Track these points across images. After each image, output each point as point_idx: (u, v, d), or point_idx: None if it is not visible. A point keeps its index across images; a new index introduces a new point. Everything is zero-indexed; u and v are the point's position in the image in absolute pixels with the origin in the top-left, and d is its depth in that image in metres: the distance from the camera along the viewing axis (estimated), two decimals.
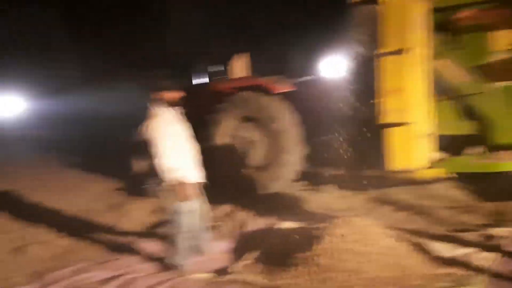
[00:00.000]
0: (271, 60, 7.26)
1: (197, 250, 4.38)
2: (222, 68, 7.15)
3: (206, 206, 4.43)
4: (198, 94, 7.15)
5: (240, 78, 6.90)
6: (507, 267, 3.50)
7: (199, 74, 7.68)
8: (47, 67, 18.98)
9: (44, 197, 7.15)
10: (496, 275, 3.41)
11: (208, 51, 7.85)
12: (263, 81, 6.32)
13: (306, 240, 3.92)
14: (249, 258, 4.15)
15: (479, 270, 3.50)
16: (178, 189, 4.01)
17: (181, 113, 4.31)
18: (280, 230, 4.74)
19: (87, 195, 7.17)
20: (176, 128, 4.14)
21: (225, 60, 7.24)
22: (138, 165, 7.64)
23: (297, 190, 6.26)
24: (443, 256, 3.74)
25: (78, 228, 5.56)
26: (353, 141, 6.28)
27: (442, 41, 5.12)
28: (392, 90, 4.91)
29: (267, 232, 4.78)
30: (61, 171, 9.34)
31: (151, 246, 4.75)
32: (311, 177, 6.41)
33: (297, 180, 6.44)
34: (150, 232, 5.22)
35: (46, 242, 5.22)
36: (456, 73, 4.98)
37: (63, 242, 5.20)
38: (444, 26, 5.15)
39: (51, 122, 15.69)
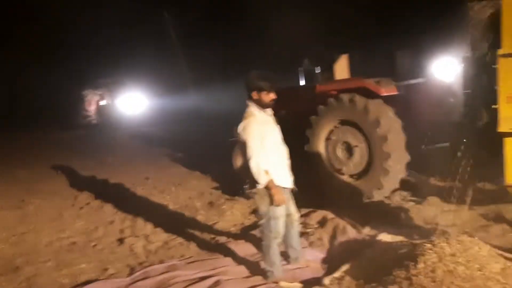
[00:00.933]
0: (378, 61, 6.90)
1: (289, 257, 4.31)
2: (328, 69, 6.96)
3: (297, 212, 4.32)
4: (304, 96, 7.07)
5: (344, 80, 6.68)
6: None
7: (306, 74, 7.56)
8: (167, 68, 20.25)
9: (147, 192, 7.59)
10: None
11: (314, 52, 7.69)
12: (368, 82, 6.04)
13: (407, 257, 3.64)
14: (343, 271, 3.98)
15: None
16: (270, 192, 3.94)
17: (275, 115, 4.25)
18: (378, 242, 4.49)
19: (188, 192, 7.44)
20: (270, 129, 4.08)
21: (331, 61, 7.05)
22: (239, 165, 7.79)
23: (400, 200, 5.91)
24: None
25: (175, 224, 5.79)
26: (464, 150, 5.81)
27: None
28: (511, 96, 4.42)
29: (365, 243, 4.55)
30: (167, 167, 9.82)
31: (246, 248, 4.77)
32: (415, 187, 6.02)
33: (400, 190, 6.09)
34: (246, 234, 5.25)
35: (143, 236, 5.49)
36: None
37: (159, 237, 5.43)
38: None
39: (168, 119, 16.68)
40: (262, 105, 4.04)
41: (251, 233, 5.17)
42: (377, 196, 5.96)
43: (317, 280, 3.96)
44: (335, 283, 3.83)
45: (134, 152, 12.32)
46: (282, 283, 3.95)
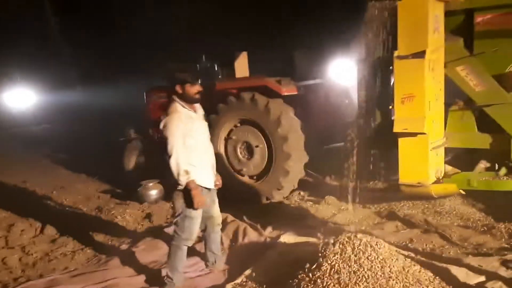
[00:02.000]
0: (276, 61, 6.86)
1: (208, 261, 4.13)
2: (228, 66, 6.76)
3: (220, 216, 4.09)
4: (203, 95, 6.79)
5: (245, 78, 6.53)
6: None
7: (204, 71, 7.29)
8: (54, 63, 18.73)
9: (24, 197, 6.80)
10: None
11: (213, 48, 7.44)
12: (270, 81, 5.95)
13: (311, 258, 3.55)
14: (245, 276, 3.79)
15: None
16: (189, 193, 3.63)
17: (202, 110, 3.99)
18: (281, 244, 4.39)
19: (72, 197, 6.79)
20: (195, 127, 3.78)
21: (230, 58, 6.85)
22: (131, 166, 7.32)
23: (298, 200, 5.91)
24: (462, 284, 3.38)
25: (57, 233, 5.19)
26: (361, 151, 5.95)
27: (459, 47, 4.79)
28: (407, 97, 4.57)
29: (267, 246, 4.42)
30: (49, 169, 8.97)
31: (139, 257, 4.39)
32: (314, 187, 6.05)
33: (298, 190, 6.09)
34: (138, 241, 4.84)
35: (19, 248, 4.86)
36: (473, 82, 4.63)
37: (38, 248, 4.84)
38: (462, 30, 4.83)
39: (57, 116, 15.36)
40: (188, 99, 3.75)
41: (145, 240, 4.77)
42: (277, 197, 5.89)
43: (219, 287, 3.73)
44: None
45: (12, 153, 11.10)
46: None
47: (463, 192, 4.75)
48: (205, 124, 4.00)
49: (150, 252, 4.49)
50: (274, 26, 10.28)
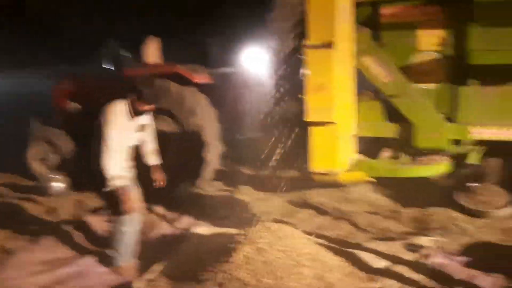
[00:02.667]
0: (189, 48, 6.67)
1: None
2: (137, 52, 6.46)
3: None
4: (110, 81, 6.46)
5: (156, 65, 6.27)
6: (432, 278, 3.32)
7: (113, 58, 6.91)
8: None
9: None
10: None
11: (120, 34, 7.08)
12: (182, 69, 5.76)
13: (224, 249, 3.49)
14: (156, 271, 3.64)
15: (404, 282, 3.28)
16: (121, 197, 3.56)
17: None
18: (194, 236, 4.27)
19: None
20: (130, 125, 3.78)
21: (140, 44, 6.55)
22: (36, 157, 6.81)
23: (214, 191, 5.83)
24: (369, 268, 3.49)
25: None
26: (274, 140, 5.98)
27: (367, 38, 4.94)
28: (317, 87, 4.63)
29: (180, 238, 4.29)
30: None
31: (42, 253, 4.07)
32: (229, 177, 5.99)
33: (214, 180, 6.00)
34: (42, 235, 4.49)
35: None
36: (380, 72, 4.81)
37: None
38: (369, 22, 4.99)
39: None
40: (133, 110, 3.76)
41: (46, 237, 4.43)
42: (193, 187, 5.76)
43: (129, 285, 3.55)
44: (148, 286, 3.47)
45: None
46: None
47: (372, 179, 4.95)
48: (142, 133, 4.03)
49: (53, 249, 4.20)
50: (187, 13, 10.03)
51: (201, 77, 5.75)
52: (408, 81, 4.77)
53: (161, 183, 4.15)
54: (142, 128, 4.00)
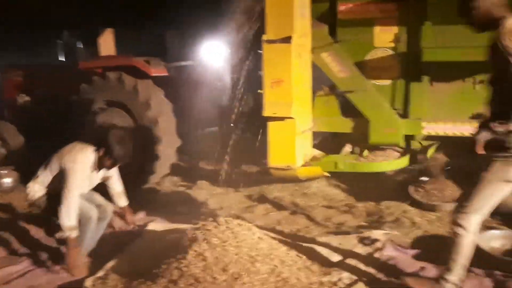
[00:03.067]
0: (146, 40, 6.51)
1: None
2: (92, 44, 6.26)
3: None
4: (64, 73, 6.25)
5: (111, 56, 6.10)
6: (384, 271, 3.37)
7: (66, 49, 6.69)
8: None
9: None
10: (374, 280, 3.26)
11: (75, 23, 6.82)
12: (137, 61, 5.63)
13: (178, 245, 3.42)
14: (107, 269, 3.54)
15: (357, 274, 3.32)
16: (68, 250, 3.56)
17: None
18: (148, 232, 4.19)
19: None
20: (94, 177, 3.81)
21: (95, 35, 6.36)
22: None
23: (170, 186, 5.74)
24: (323, 261, 3.51)
25: None
26: (232, 135, 5.94)
27: (324, 34, 4.97)
28: (275, 82, 4.63)
29: (133, 235, 4.17)
30: None
31: None
32: (187, 172, 5.91)
33: (170, 175, 5.90)
34: None
35: None
36: (337, 68, 4.85)
37: None
38: (327, 18, 5.01)
39: None
40: (101, 165, 3.74)
41: None
42: (149, 182, 5.64)
43: (79, 283, 3.43)
44: (98, 284, 3.37)
45: None
46: None
47: (328, 174, 4.99)
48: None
49: (1, 247, 4.03)
50: (144, 4, 9.77)
51: (157, 70, 5.63)
52: (364, 77, 4.84)
53: (134, 225, 4.22)
54: (106, 178, 3.98)
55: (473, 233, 2.80)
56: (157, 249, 3.66)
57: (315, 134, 5.29)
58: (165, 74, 5.72)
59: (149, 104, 5.46)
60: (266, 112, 4.68)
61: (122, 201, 4.15)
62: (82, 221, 3.67)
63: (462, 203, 2.81)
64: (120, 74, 5.55)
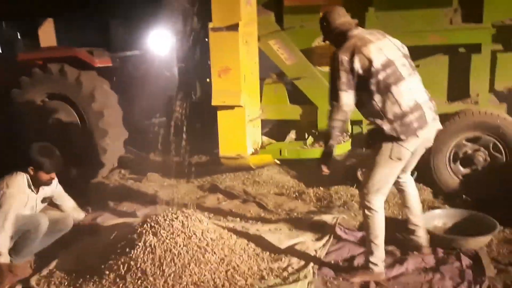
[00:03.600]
0: (89, 30, 6.29)
1: None
2: (31, 35, 5.99)
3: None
4: (2, 66, 5.95)
5: (52, 48, 5.85)
6: (332, 255, 3.43)
7: (4, 41, 6.37)
8: None
9: None
10: (323, 264, 3.31)
11: (12, 13, 6.48)
12: (80, 52, 5.43)
13: (127, 240, 3.35)
14: (53, 266, 3.43)
15: (307, 259, 3.36)
16: None
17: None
18: (98, 227, 4.07)
19: None
20: (32, 199, 3.65)
21: (34, 25, 6.09)
22: None
23: (119, 179, 5.58)
24: (274, 248, 3.53)
25: None
26: (182, 125, 5.86)
27: (271, 21, 4.95)
28: (223, 70, 4.58)
29: (82, 230, 4.04)
30: None
31: None
32: (136, 165, 5.77)
33: (119, 168, 5.76)
34: None
35: None
36: (284, 55, 4.86)
37: None
38: (273, 5, 5.00)
39: None
40: (37, 183, 3.63)
41: None
42: (97, 176, 5.48)
43: (25, 282, 3.30)
44: (43, 283, 3.26)
45: None
46: None
47: (278, 162, 5.01)
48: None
49: None
50: None
51: (101, 61, 5.47)
52: (311, 63, 4.87)
53: None
54: (47, 199, 3.84)
55: (379, 212, 3.05)
56: (105, 244, 3.57)
57: (265, 122, 5.30)
58: (110, 64, 5.55)
59: (93, 96, 5.30)
60: (215, 101, 4.63)
61: (80, 214, 4.11)
62: (31, 229, 3.53)
63: (364, 186, 3.08)
64: (62, 65, 5.35)
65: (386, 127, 2.91)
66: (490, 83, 4.51)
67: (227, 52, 4.53)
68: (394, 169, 3.02)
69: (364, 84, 2.92)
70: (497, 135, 4.27)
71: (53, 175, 3.67)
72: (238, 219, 4.22)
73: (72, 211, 4.00)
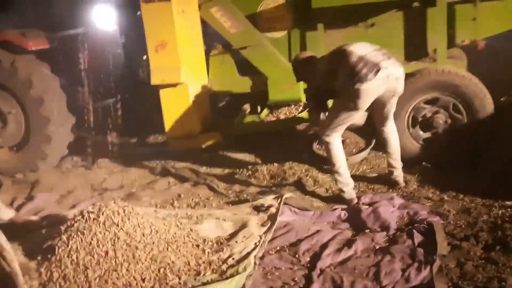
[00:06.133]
0: (24, 9, 5.80)
1: None
2: None
3: None
4: None
5: None
6: (278, 241, 3.18)
7: None
8: None
9: None
10: (267, 251, 3.07)
11: None
12: (11, 35, 5.01)
13: (54, 237, 3.08)
14: None
15: (251, 248, 3.11)
16: None
17: None
18: (29, 224, 3.77)
19: None
20: None
21: None
22: None
23: (71, 167, 5.30)
24: (217, 237, 3.28)
25: None
26: (130, 105, 5.54)
27: None
28: (158, 45, 4.24)
29: (12, 228, 3.75)
30: None
31: None
32: (84, 151, 5.44)
33: (72, 155, 5.45)
34: None
35: None
36: (228, 23, 4.48)
37: None
38: None
39: None
40: None
41: None
42: (43, 166, 5.16)
43: None
44: None
45: None
46: None
47: (230, 140, 4.72)
48: None
49: None
50: None
51: (36, 43, 5.04)
52: (257, 30, 4.51)
53: None
54: None
55: (335, 143, 3.60)
56: (32, 245, 3.29)
57: (217, 98, 4.99)
58: (46, 46, 5.14)
59: (31, 82, 4.92)
60: (154, 80, 4.32)
61: (6, 213, 3.72)
62: None
63: (324, 125, 3.63)
64: None
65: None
66: (449, 39, 4.20)
67: (161, 24, 4.18)
68: (353, 116, 3.51)
69: None
70: (457, 95, 3.98)
71: None
72: (185, 204, 3.96)
73: None
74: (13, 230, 3.63)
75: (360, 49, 3.46)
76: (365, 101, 3.41)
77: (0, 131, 5.20)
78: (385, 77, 3.36)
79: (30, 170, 5.14)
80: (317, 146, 4.41)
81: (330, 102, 3.92)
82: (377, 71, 3.30)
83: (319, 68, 3.66)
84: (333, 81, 3.51)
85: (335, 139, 3.58)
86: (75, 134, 5.32)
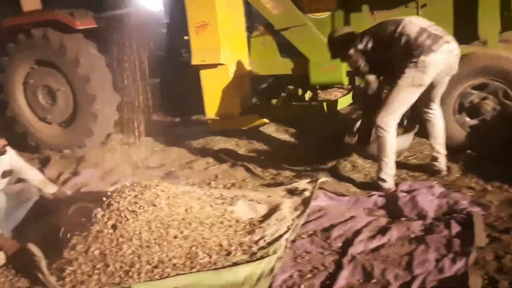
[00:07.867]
0: None
1: None
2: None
3: None
4: None
5: (34, 12, 5.60)
6: (311, 225, 3.15)
7: None
8: None
9: None
10: (299, 235, 3.05)
11: None
12: (61, 15, 5.17)
13: (90, 215, 3.18)
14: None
15: (283, 231, 3.10)
16: None
17: None
18: (66, 199, 3.90)
19: None
20: None
21: None
22: None
23: (115, 145, 5.44)
24: (249, 219, 3.29)
25: None
26: (173, 86, 5.60)
27: None
28: (199, 26, 4.24)
29: (64, 202, 3.92)
30: None
31: None
32: (128, 129, 5.57)
33: (118, 133, 5.60)
34: None
35: None
36: (270, 4, 4.41)
37: None
38: None
39: None
40: None
41: None
42: (89, 143, 5.36)
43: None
44: None
45: None
46: None
47: (267, 121, 4.70)
48: None
49: None
50: None
51: (84, 22, 5.18)
52: (300, 11, 4.42)
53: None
54: (6, 174, 3.60)
55: (390, 132, 3.36)
56: (69, 220, 3.41)
57: (258, 79, 4.95)
58: (94, 26, 5.27)
59: (78, 60, 5.08)
60: (194, 60, 4.34)
61: (49, 188, 3.85)
62: None
63: (382, 108, 3.36)
64: (46, 30, 5.13)
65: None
66: (506, 21, 3.96)
67: (203, 5, 4.17)
68: (414, 95, 3.29)
69: None
70: (507, 81, 3.75)
71: (2, 141, 3.48)
72: (221, 185, 3.99)
73: (39, 184, 3.82)
74: (55, 204, 3.82)
75: (420, 21, 3.31)
76: (429, 75, 3.21)
77: (50, 107, 5.43)
78: (449, 51, 3.23)
79: (77, 146, 5.34)
80: (349, 137, 4.28)
81: None
82: (442, 43, 3.17)
83: (361, 44, 3.43)
84: (382, 53, 3.33)
85: (391, 127, 3.35)
86: (120, 113, 5.46)
